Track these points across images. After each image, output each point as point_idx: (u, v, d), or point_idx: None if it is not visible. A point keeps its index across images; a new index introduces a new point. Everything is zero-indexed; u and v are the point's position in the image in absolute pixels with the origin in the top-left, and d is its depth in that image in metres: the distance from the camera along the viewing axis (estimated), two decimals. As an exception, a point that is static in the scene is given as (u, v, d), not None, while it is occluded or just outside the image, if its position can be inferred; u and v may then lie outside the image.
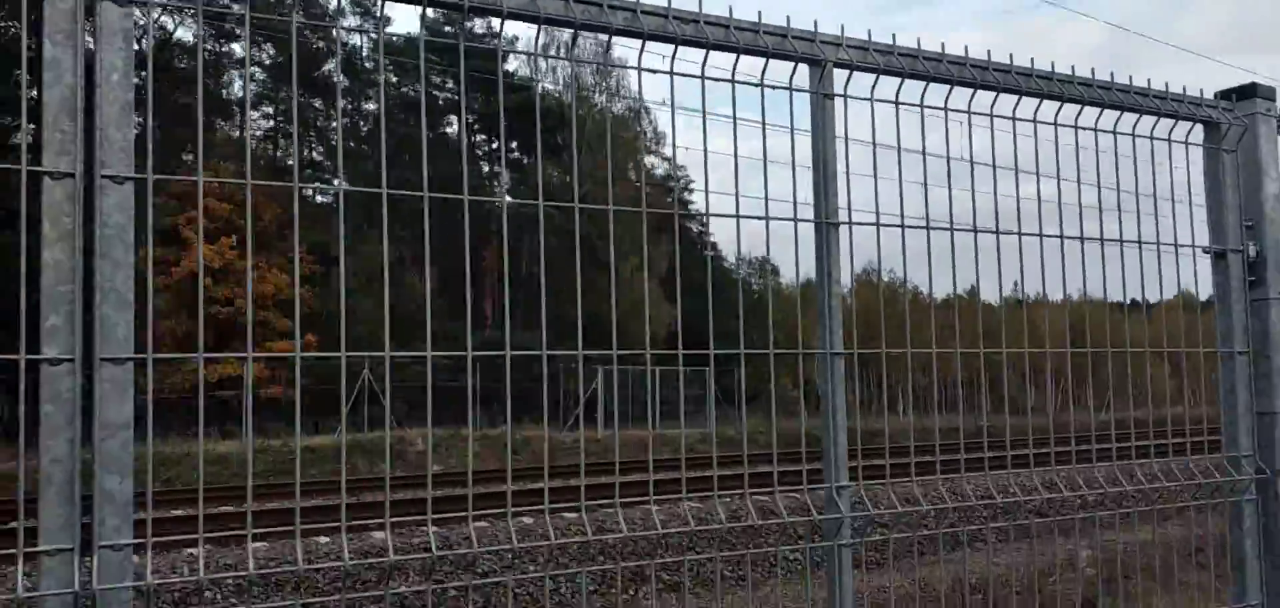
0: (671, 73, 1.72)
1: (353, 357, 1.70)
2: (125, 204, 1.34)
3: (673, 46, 1.76)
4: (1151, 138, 2.34)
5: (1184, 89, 2.42)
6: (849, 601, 1.81)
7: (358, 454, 22.30)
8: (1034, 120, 2.14)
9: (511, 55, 49.39)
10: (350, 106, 46.51)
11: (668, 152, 51.04)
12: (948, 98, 2.01)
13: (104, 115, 1.31)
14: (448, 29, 50.30)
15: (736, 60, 1.75)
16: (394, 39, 47.19)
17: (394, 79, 45.79)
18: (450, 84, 46.00)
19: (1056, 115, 2.16)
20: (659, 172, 52.28)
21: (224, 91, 43.08)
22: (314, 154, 47.35)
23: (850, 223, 1.90)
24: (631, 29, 1.70)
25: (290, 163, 46.45)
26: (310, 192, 42.71)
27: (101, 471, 1.30)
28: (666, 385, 26.23)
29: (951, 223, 2.03)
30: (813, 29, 1.83)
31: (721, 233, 56.19)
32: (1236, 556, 2.32)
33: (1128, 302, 2.52)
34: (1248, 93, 2.44)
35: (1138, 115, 2.33)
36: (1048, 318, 2.27)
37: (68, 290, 1.27)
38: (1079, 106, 2.22)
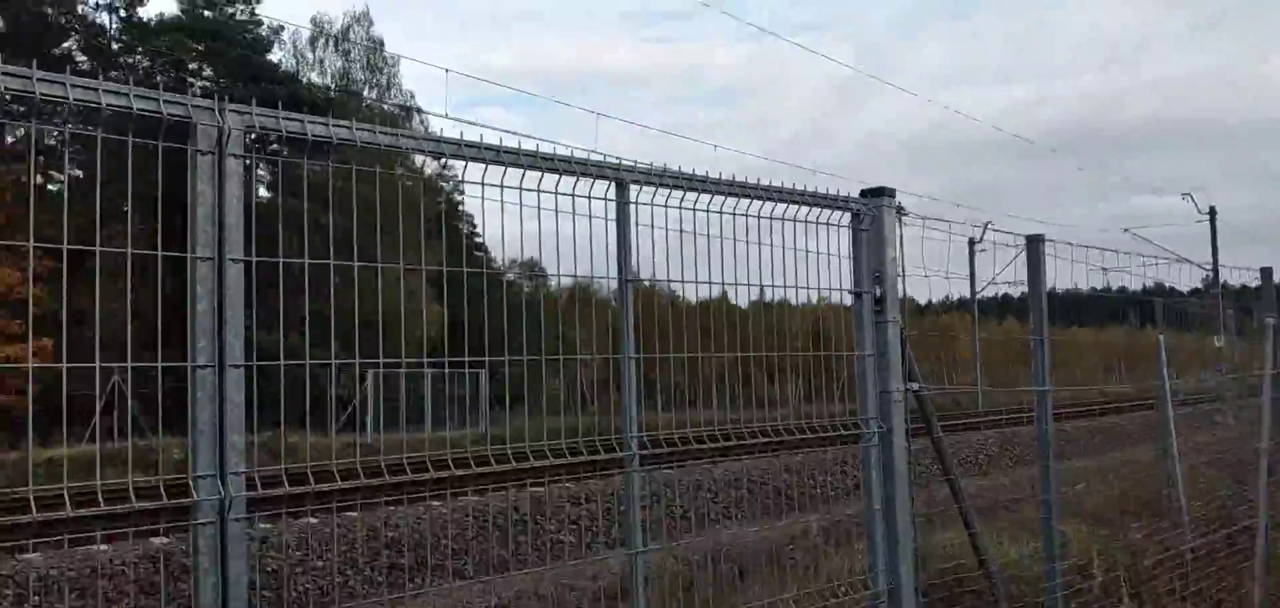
0: (539, 191, 2.87)
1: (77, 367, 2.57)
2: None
3: (522, 172, 2.90)
4: (820, 222, 3.75)
5: (839, 191, 3.85)
6: (635, 508, 3.03)
7: (111, 465, 21.22)
8: (746, 214, 3.48)
9: (276, 46, 47.40)
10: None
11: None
12: (694, 201, 3.29)
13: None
14: (207, 13, 47.20)
15: (576, 182, 2.93)
16: (148, 20, 43.96)
17: (146, 62, 42.66)
18: (208, 71, 43.49)
19: (760, 210, 3.51)
20: (429, 169, 51.97)
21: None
22: (53, 140, 43.25)
23: (637, 280, 3.13)
24: (517, 164, 2.82)
25: (11, 141, 42.08)
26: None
27: None
28: (442, 385, 26.79)
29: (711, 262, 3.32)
30: (617, 161, 3.04)
31: (491, 235, 56.69)
32: (866, 479, 3.77)
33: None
34: (877, 192, 3.90)
35: (812, 206, 3.73)
36: (751, 327, 3.62)
37: None
38: (776, 204, 3.59)
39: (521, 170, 2.89)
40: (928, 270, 4.37)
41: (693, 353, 3.48)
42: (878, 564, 3.72)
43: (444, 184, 52.84)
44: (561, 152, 2.95)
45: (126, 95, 2.11)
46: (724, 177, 3.39)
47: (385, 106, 46.94)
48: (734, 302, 3.77)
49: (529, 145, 2.89)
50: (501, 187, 2.84)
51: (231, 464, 2.04)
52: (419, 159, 49.71)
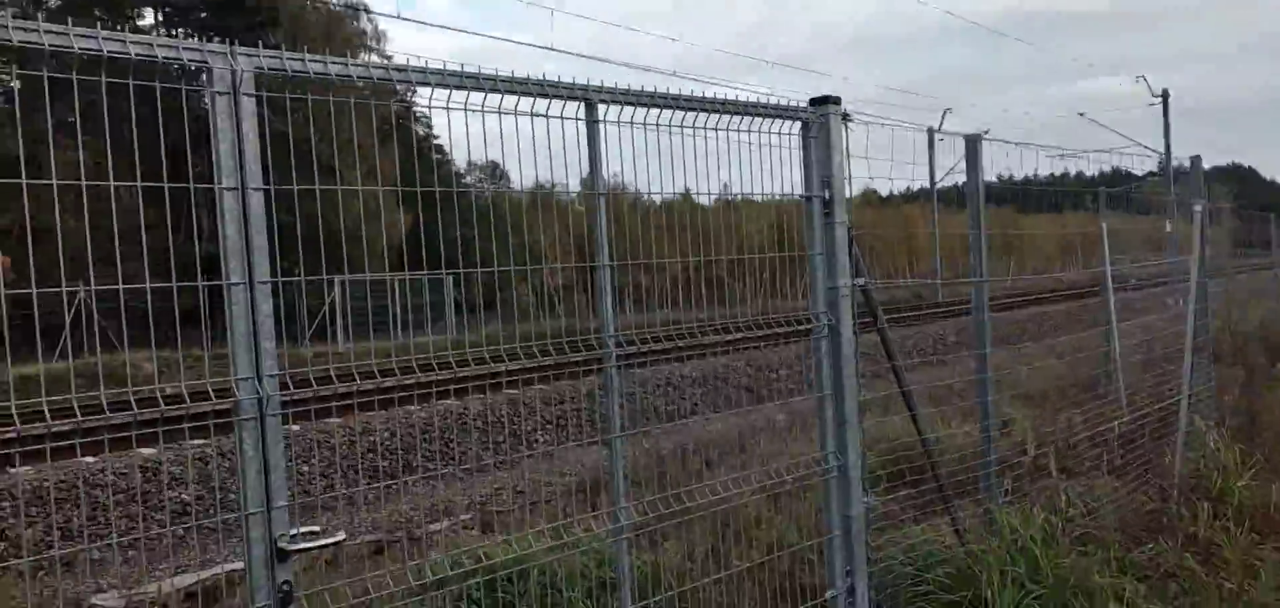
0: (518, 114, 3.15)
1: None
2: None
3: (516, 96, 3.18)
4: (775, 133, 4.07)
5: (795, 101, 4.16)
6: (614, 401, 3.40)
7: (83, 381, 21.30)
8: (706, 128, 3.79)
9: (219, -51, 45.70)
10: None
11: (388, 50, 49.96)
12: (657, 117, 3.59)
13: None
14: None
15: (548, 104, 3.22)
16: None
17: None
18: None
19: (717, 124, 3.82)
20: (378, 74, 50.95)
21: None
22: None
23: (608, 194, 3.44)
24: (494, 89, 3.10)
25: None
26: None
27: None
28: (408, 294, 26.93)
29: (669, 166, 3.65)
30: (585, 82, 3.32)
31: (448, 134, 56.03)
32: (816, 369, 4.18)
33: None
34: (823, 101, 4.22)
35: (771, 118, 4.05)
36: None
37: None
38: (739, 117, 3.90)
39: (498, 94, 3.18)
40: (873, 171, 4.71)
41: (661, 259, 3.83)
42: (828, 444, 4.15)
43: (397, 88, 52.07)
44: (533, 77, 3.23)
45: (150, 45, 2.37)
46: (684, 93, 3.69)
47: (331, 4, 45.79)
48: (697, 203, 4.11)
49: (492, 66, 3.16)
50: (465, 109, 3.11)
51: (267, 367, 2.37)
52: (368, 58, 48.50)
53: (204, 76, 2.44)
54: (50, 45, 2.25)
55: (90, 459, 10.91)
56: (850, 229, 4.28)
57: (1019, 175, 6.93)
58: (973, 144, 5.05)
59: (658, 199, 3.79)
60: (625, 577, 3.39)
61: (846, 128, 4.32)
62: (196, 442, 11.44)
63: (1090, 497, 5.75)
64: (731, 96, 3.96)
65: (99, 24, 2.34)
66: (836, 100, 4.28)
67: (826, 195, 4.19)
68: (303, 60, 2.65)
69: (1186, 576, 4.93)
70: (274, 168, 2.61)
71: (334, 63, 2.74)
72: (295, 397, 2.52)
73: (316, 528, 2.49)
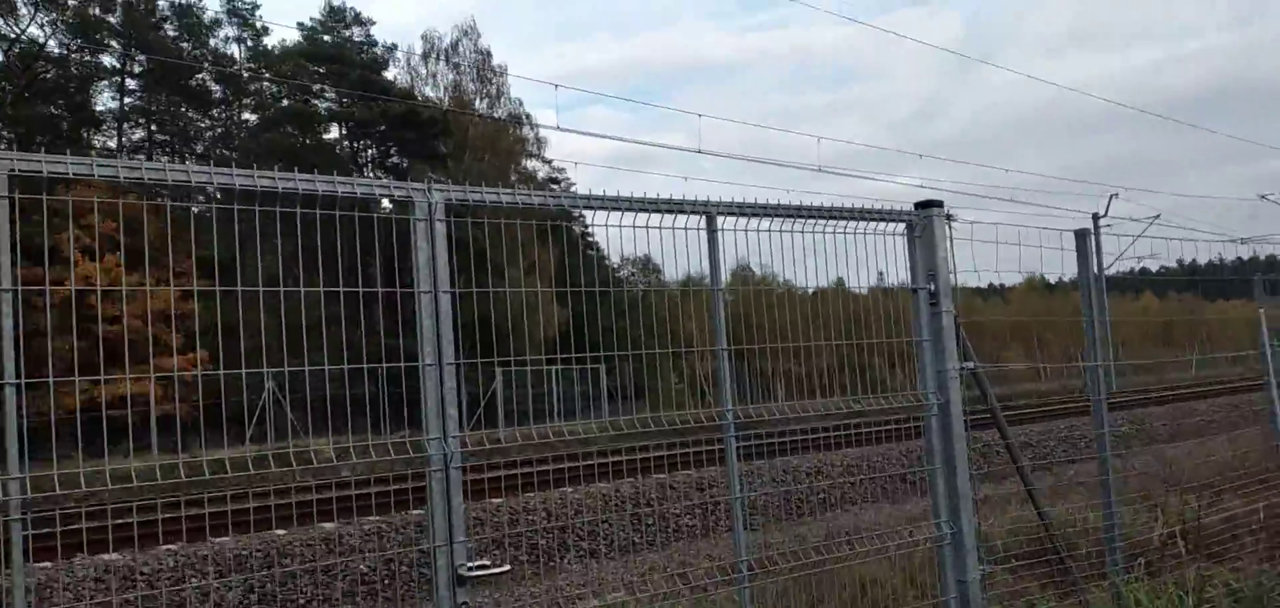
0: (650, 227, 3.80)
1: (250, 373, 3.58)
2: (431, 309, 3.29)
3: (645, 214, 3.83)
4: (885, 234, 4.56)
5: (903, 208, 4.65)
6: (734, 466, 3.92)
7: (267, 464, 23.20)
8: (833, 231, 4.33)
9: (391, 64, 49.77)
10: (226, 116, 46.45)
11: (547, 155, 52.66)
12: (781, 227, 4.16)
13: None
14: (326, 37, 50.02)
15: (676, 218, 3.85)
16: (272, 48, 47.02)
17: (273, 87, 45.79)
18: (330, 93, 46.30)
19: (834, 229, 4.35)
20: (541, 174, 53.93)
21: (94, 103, 42.48)
22: (190, 163, 46.98)
23: (724, 291, 4.02)
24: (630, 208, 3.76)
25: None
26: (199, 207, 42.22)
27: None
28: (562, 382, 28.19)
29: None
30: (706, 199, 3.94)
31: (603, 236, 58.05)
32: (928, 442, 4.56)
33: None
34: (928, 204, 4.67)
35: (872, 222, 4.54)
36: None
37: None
38: (849, 223, 4.43)
39: (634, 212, 3.83)
40: (980, 265, 5.09)
41: (773, 345, 4.36)
42: (942, 514, 4.50)
43: (555, 186, 54.93)
44: (662, 196, 3.88)
45: (368, 185, 3.14)
46: (795, 204, 4.26)
47: (495, 116, 48.95)
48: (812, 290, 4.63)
49: (632, 185, 3.82)
50: (607, 226, 3.77)
51: (451, 430, 3.05)
52: (530, 164, 51.22)
53: (410, 208, 3.19)
54: (302, 189, 3.05)
55: (281, 532, 12.18)
56: (956, 318, 4.68)
57: (1202, 262, 7.04)
58: (1082, 239, 5.36)
59: (780, 289, 4.35)
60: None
61: (950, 226, 4.76)
62: (372, 518, 12.56)
63: (1235, 580, 5.74)
64: (838, 204, 4.49)
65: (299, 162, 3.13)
66: (939, 204, 4.73)
67: (932, 287, 4.62)
68: (481, 194, 3.38)
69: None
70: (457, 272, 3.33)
71: (505, 193, 3.47)
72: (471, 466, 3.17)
73: (487, 562, 3.12)
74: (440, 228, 3.20)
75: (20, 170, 2.56)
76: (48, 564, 10.38)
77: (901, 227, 4.64)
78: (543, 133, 50.26)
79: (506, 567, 3.15)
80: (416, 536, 12.35)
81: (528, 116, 50.06)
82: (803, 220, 4.28)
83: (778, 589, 4.46)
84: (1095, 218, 51.43)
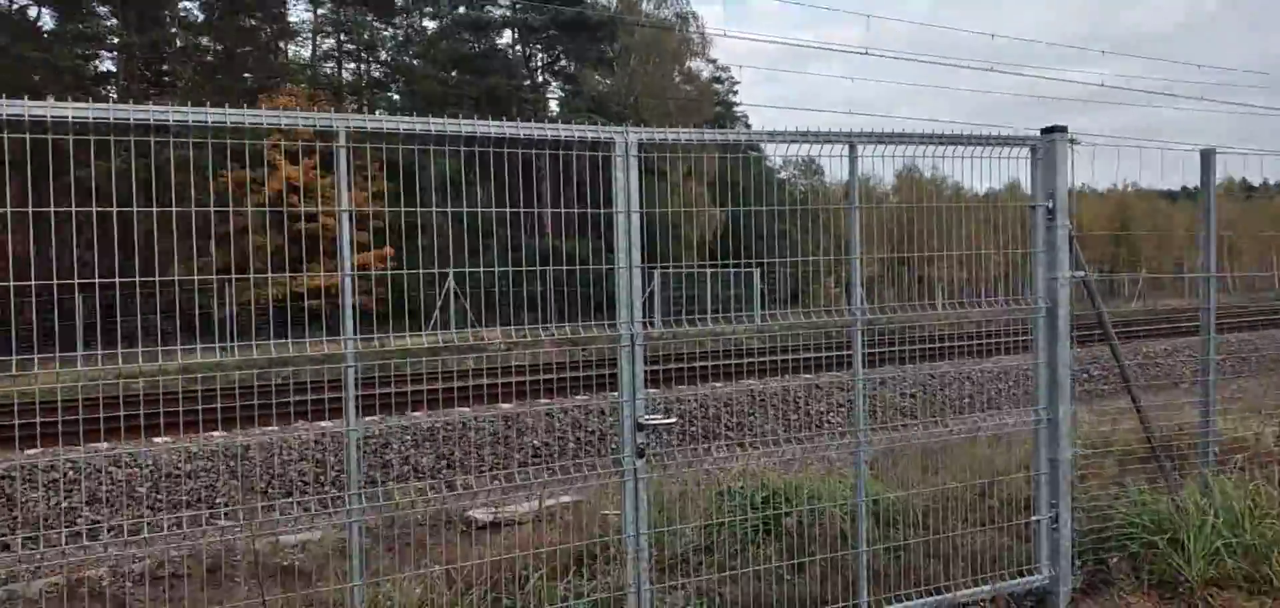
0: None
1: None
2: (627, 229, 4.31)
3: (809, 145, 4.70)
4: (1014, 157, 5.25)
5: (1029, 131, 5.30)
6: (860, 352, 4.80)
7: (446, 352, 25.47)
8: (965, 157, 5.07)
9: (561, -26, 50.79)
10: (407, 24, 49.02)
11: (712, 53, 52.80)
12: (918, 153, 4.93)
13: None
14: (499, -47, 51.02)
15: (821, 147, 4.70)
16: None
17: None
18: None
19: (967, 154, 5.08)
20: (705, 74, 54.25)
21: (288, 15, 45.73)
22: (373, 71, 50.12)
23: (865, 208, 4.86)
24: (793, 140, 4.63)
25: (350, 79, 48.71)
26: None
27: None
28: (717, 287, 29.18)
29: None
30: (849, 130, 4.75)
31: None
32: (1035, 340, 5.27)
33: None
34: (1051, 130, 5.29)
35: (1000, 146, 5.22)
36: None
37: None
38: (994, 147, 5.14)
39: (788, 143, 4.71)
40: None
41: (902, 255, 5.17)
42: (1041, 400, 5.25)
43: (718, 86, 55.16)
44: (815, 130, 4.73)
45: (582, 130, 4.17)
46: (930, 133, 5.02)
47: (661, 16, 49.38)
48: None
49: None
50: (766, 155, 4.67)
51: (637, 316, 4.09)
52: (695, 64, 51.59)
53: (612, 146, 4.20)
54: (525, 135, 4.09)
55: (466, 409, 13.89)
56: (1071, 233, 5.33)
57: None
58: (1207, 157, 5.81)
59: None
60: (861, 488, 4.78)
61: (1072, 149, 5.37)
62: (544, 401, 14.09)
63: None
64: (964, 131, 5.20)
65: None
66: (1063, 129, 5.35)
67: (1050, 205, 5.28)
68: (665, 134, 4.36)
69: None
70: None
71: (685, 134, 4.43)
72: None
73: (659, 416, 4.18)
74: (634, 163, 4.20)
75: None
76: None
77: (1026, 150, 5.30)
78: (708, 33, 50.37)
79: (674, 419, 4.20)
80: (582, 417, 13.81)
81: (694, 15, 50.23)
82: (937, 148, 5.03)
83: (894, 459, 5.36)
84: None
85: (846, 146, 4.80)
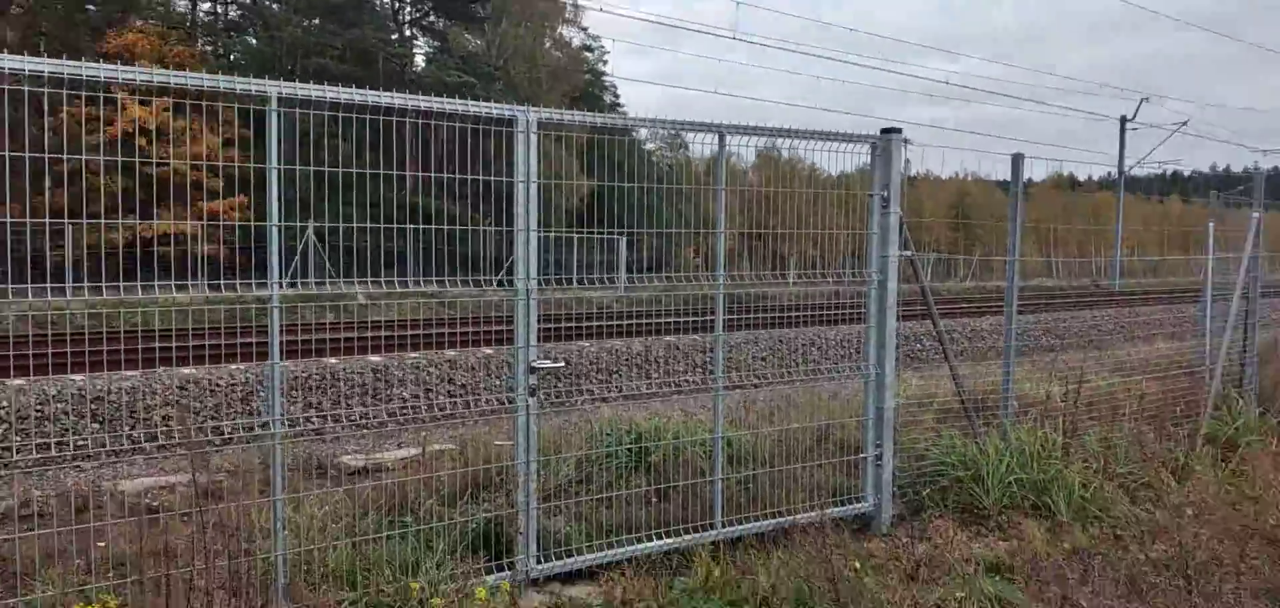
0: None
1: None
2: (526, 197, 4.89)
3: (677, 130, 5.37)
4: (856, 152, 6.09)
5: (872, 133, 6.16)
6: (721, 314, 5.57)
7: (308, 307, 25.12)
8: (819, 149, 5.86)
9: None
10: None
11: (584, 22, 53.09)
12: (777, 145, 5.69)
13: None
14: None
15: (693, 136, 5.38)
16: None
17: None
18: (374, -51, 46.75)
19: (820, 147, 5.88)
20: (576, 42, 54.47)
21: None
22: (230, 11, 47.97)
23: (726, 191, 5.60)
24: (668, 128, 5.29)
25: (206, 18, 46.45)
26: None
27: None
28: (584, 252, 29.86)
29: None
30: (718, 123, 5.47)
31: (632, 106, 58.46)
32: (867, 308, 6.18)
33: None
34: (889, 131, 6.17)
35: (852, 142, 6.07)
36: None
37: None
38: (843, 143, 5.95)
39: (664, 130, 5.38)
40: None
41: (762, 230, 5.95)
42: (870, 357, 6.17)
43: (589, 54, 55.54)
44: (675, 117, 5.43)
45: (484, 115, 4.71)
46: (788, 127, 5.79)
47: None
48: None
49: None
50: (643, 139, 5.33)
51: (533, 273, 4.69)
52: (567, 31, 51.72)
53: (515, 123, 4.76)
54: (423, 107, 4.61)
55: (332, 360, 14.09)
56: (901, 218, 6.25)
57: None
58: (1017, 161, 6.86)
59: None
60: (719, 421, 5.56)
61: (905, 148, 6.28)
62: (414, 354, 14.43)
63: (1108, 436, 7.40)
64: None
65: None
66: (898, 130, 6.24)
67: (886, 194, 6.17)
68: (562, 115, 4.95)
69: (1155, 486, 6.61)
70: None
71: (580, 116, 5.03)
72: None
73: (547, 361, 4.81)
74: (535, 139, 4.78)
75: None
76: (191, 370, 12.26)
77: (866, 147, 6.17)
78: (581, 2, 50.54)
79: (562, 362, 4.83)
80: (449, 371, 14.26)
81: (567, -16, 50.30)
82: (794, 140, 5.82)
83: (746, 408, 6.16)
84: (1123, 121, 52.02)
85: (716, 136, 5.52)
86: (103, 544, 4.62)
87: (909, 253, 6.36)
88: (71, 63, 3.80)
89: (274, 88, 4.14)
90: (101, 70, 3.83)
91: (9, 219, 4.10)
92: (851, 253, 6.56)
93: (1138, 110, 53.21)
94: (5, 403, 10.32)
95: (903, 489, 6.42)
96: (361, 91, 4.42)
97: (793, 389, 6.11)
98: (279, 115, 4.14)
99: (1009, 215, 6.98)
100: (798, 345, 14.39)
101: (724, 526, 5.52)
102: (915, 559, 5.20)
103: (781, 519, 5.59)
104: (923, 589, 4.79)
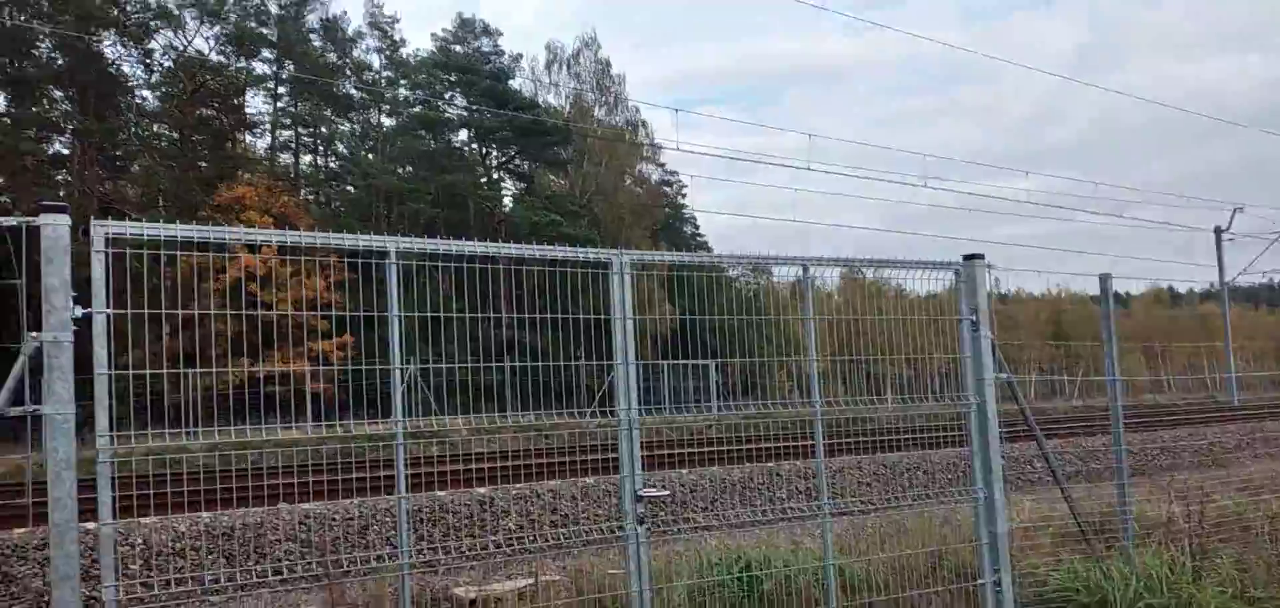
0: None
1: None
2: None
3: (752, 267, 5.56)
4: (938, 278, 6.16)
5: (951, 260, 6.24)
6: (820, 434, 5.61)
7: (412, 442, 25.73)
8: (901, 277, 5.97)
9: (516, 74, 52.36)
10: (363, 120, 50.00)
11: (662, 159, 54.60)
12: (855, 273, 5.82)
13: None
14: (457, 48, 52.85)
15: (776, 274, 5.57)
16: (408, 57, 50.23)
17: (406, 93, 48.99)
18: (460, 100, 49.28)
19: (905, 276, 5.98)
20: (654, 177, 55.92)
21: (247, 106, 46.42)
22: (330, 163, 50.85)
23: (815, 319, 5.71)
24: (741, 262, 5.46)
25: (308, 170, 49.17)
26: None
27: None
28: (676, 379, 30.10)
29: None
30: (803, 256, 5.63)
31: (711, 236, 59.26)
32: (969, 430, 6.13)
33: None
34: (971, 257, 6.24)
35: (933, 269, 6.15)
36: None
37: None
38: (925, 269, 6.05)
39: (748, 265, 5.58)
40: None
41: (849, 358, 6.03)
42: (978, 481, 6.09)
43: (667, 188, 56.92)
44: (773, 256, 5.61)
45: (582, 258, 4.98)
46: (872, 257, 5.92)
47: (613, 123, 51.20)
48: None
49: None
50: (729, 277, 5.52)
51: (633, 402, 4.86)
52: (645, 168, 53.12)
53: (609, 265, 5.01)
54: (537, 256, 4.89)
55: (441, 493, 14.36)
56: (993, 341, 6.25)
57: None
58: (1104, 280, 6.83)
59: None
60: (828, 548, 5.55)
61: (989, 270, 6.33)
62: (517, 485, 14.63)
63: (1234, 556, 7.08)
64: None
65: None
66: (980, 256, 6.30)
67: (974, 318, 6.20)
68: (653, 256, 5.19)
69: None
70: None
71: (670, 256, 5.26)
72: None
73: (653, 489, 4.92)
74: (629, 278, 5.02)
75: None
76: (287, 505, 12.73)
77: (950, 273, 6.24)
78: (658, 138, 52.19)
79: (667, 491, 4.94)
80: (553, 501, 14.40)
81: (644, 123, 52.07)
82: (875, 268, 5.94)
83: (855, 535, 6.12)
84: (1218, 231, 50.45)
85: (801, 268, 5.69)
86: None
87: (1006, 375, 6.33)
88: (198, 227, 4.13)
89: (392, 243, 4.48)
90: (242, 234, 4.21)
91: (147, 371, 4.44)
92: (945, 374, 6.56)
93: (1232, 220, 51.59)
94: (140, 540, 10.84)
95: (1022, 616, 6.24)
96: (469, 243, 4.74)
97: (902, 514, 6.05)
98: (398, 267, 4.47)
99: (1103, 335, 6.90)
100: (902, 469, 14.18)
101: (834, 657, 5.45)
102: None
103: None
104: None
